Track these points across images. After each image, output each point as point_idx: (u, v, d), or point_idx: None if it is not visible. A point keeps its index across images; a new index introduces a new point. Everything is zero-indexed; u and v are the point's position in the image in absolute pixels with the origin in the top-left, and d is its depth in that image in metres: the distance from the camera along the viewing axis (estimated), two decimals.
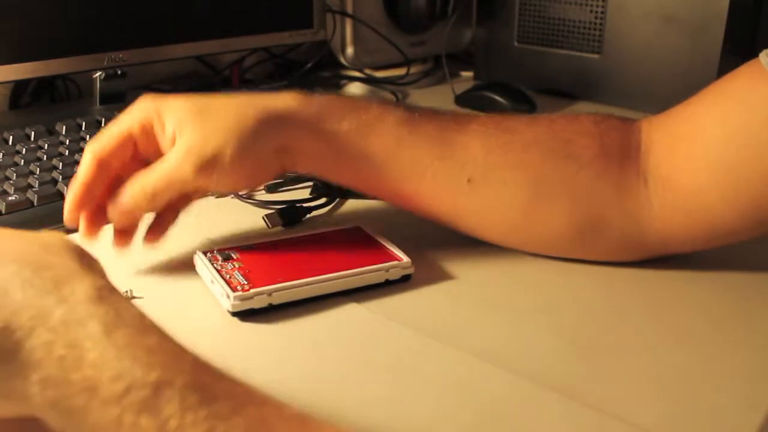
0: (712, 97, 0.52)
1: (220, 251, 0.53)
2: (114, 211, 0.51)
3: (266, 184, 0.67)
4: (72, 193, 0.50)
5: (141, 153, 0.52)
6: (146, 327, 0.31)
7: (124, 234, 0.53)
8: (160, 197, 0.51)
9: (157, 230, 0.55)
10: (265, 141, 0.51)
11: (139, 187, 0.50)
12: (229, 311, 0.48)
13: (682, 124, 0.53)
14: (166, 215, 0.55)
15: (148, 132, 0.51)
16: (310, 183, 0.70)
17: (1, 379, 0.30)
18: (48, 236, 0.35)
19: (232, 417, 0.28)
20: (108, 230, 0.61)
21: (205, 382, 0.29)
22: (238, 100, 0.52)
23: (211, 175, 0.50)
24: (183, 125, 0.50)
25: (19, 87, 0.89)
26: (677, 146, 0.52)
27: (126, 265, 0.54)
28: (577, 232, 0.54)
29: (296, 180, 0.70)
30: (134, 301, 0.49)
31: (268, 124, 0.51)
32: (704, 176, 0.51)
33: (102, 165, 0.50)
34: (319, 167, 0.55)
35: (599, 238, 0.54)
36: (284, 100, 0.53)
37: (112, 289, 0.33)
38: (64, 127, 0.71)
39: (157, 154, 0.51)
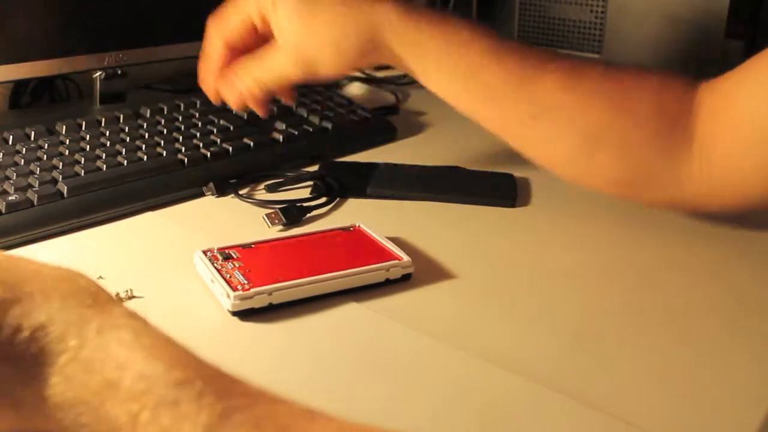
0: (753, 68, 0.54)
1: (220, 251, 0.53)
2: (228, 92, 0.65)
3: (266, 184, 0.70)
4: (203, 71, 0.67)
5: (260, 36, 0.64)
6: (169, 339, 0.32)
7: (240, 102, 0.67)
8: (270, 88, 0.64)
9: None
10: (360, 54, 0.61)
11: (251, 79, 0.64)
12: (229, 311, 0.48)
13: (725, 92, 0.55)
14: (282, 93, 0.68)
15: (264, 19, 0.62)
16: (311, 183, 0.70)
17: (20, 385, 0.30)
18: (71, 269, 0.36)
19: (246, 411, 0.29)
20: (101, 240, 0.61)
21: (222, 383, 0.30)
22: (341, 10, 0.60)
23: (311, 73, 0.62)
24: (292, 18, 0.60)
25: (19, 87, 0.89)
26: (718, 114, 0.54)
27: (126, 264, 0.54)
28: (625, 182, 0.58)
29: (296, 180, 0.70)
30: (134, 301, 0.49)
31: (367, 44, 0.60)
32: (739, 145, 0.53)
33: (229, 47, 0.64)
34: (408, 71, 0.62)
35: (644, 191, 0.58)
36: (385, 13, 0.60)
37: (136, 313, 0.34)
38: (64, 127, 0.71)
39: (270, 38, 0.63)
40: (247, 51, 0.64)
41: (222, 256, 0.52)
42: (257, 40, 0.64)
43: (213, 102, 0.68)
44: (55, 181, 0.62)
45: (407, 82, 1.06)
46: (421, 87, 0.63)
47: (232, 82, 0.65)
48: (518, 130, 0.60)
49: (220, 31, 0.64)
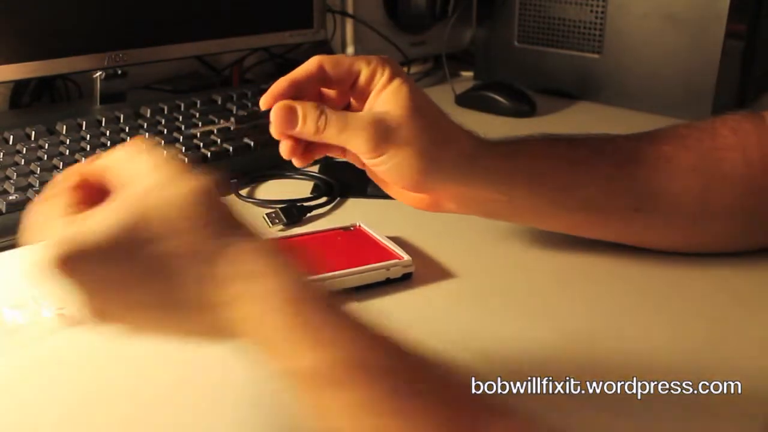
0: None
1: None
2: (278, 110, 0.49)
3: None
4: (265, 96, 0.49)
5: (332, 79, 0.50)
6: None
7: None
8: (329, 130, 0.48)
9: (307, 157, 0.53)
10: (447, 171, 0.50)
11: (317, 108, 0.48)
12: None
13: None
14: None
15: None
16: (312, 182, 0.70)
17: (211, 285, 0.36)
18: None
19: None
20: None
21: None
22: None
23: (381, 153, 0.48)
24: (396, 77, 0.49)
25: (19, 87, 0.89)
26: None
27: None
28: (739, 240, 0.57)
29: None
30: None
31: (451, 164, 0.50)
32: None
33: (294, 84, 0.49)
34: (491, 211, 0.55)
35: (759, 239, 0.57)
36: (469, 143, 0.52)
37: None
38: (64, 126, 0.71)
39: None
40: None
41: None
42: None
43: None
44: None
45: None
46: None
47: (290, 103, 0.49)
48: (621, 224, 0.56)
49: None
